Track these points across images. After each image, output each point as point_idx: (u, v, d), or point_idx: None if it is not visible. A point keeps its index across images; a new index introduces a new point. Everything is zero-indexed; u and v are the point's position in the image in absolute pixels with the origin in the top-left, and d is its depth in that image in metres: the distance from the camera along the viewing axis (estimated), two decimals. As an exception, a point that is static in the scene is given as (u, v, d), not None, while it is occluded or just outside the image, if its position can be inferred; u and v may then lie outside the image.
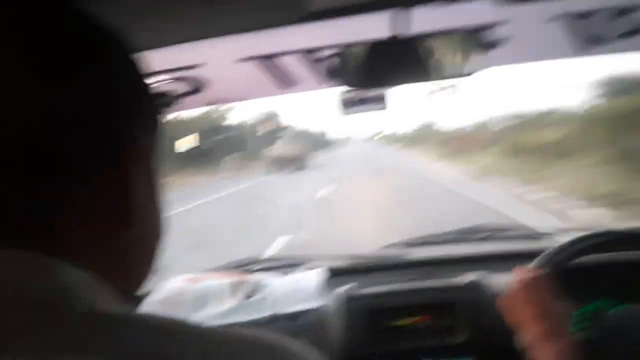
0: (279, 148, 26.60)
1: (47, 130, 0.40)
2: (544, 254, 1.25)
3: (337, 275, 1.78)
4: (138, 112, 0.48)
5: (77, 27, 0.45)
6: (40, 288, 0.38)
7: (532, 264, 1.23)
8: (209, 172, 25.34)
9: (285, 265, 1.87)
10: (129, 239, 0.47)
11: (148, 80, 0.51)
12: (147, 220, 0.49)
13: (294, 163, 24.68)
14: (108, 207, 0.45)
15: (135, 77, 0.49)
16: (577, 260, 1.26)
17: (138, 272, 0.51)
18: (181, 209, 12.10)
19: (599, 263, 1.48)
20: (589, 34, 1.27)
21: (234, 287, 1.64)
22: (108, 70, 0.46)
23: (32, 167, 0.40)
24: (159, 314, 0.43)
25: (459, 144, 26.63)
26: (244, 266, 1.88)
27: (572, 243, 1.25)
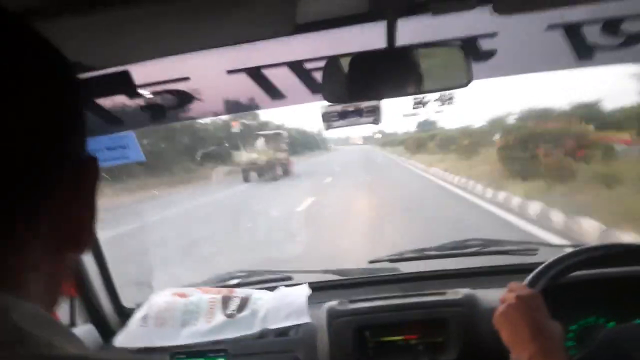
0: (254, 151, 20.28)
1: None
2: (537, 270, 1.23)
3: (324, 289, 1.76)
4: (82, 132, 0.48)
5: (22, 50, 0.43)
6: None
7: (525, 280, 1.20)
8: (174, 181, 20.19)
9: (273, 279, 1.84)
10: (70, 261, 0.47)
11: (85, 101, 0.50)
12: (88, 240, 0.48)
13: (273, 170, 19.70)
14: (59, 229, 0.44)
15: (75, 98, 0.48)
16: (569, 276, 1.24)
17: (62, 284, 0.50)
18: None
19: (591, 279, 1.45)
20: (584, 45, 1.26)
21: (223, 302, 1.62)
22: (52, 93, 0.44)
23: None
24: (118, 353, 0.41)
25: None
26: (230, 280, 1.85)
27: (565, 258, 1.23)
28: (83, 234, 0.46)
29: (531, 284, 1.19)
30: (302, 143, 43.11)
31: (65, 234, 0.44)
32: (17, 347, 0.35)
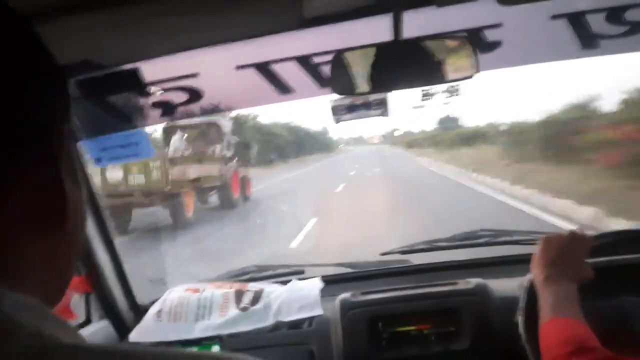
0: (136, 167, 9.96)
1: None
2: (613, 230, 1.30)
3: (337, 282, 1.77)
4: (57, 104, 0.46)
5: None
6: None
7: (595, 232, 1.27)
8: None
9: (285, 273, 1.86)
10: (62, 241, 0.45)
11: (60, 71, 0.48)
12: (76, 216, 0.46)
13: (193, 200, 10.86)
14: (43, 203, 0.42)
15: (51, 69, 0.47)
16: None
17: (66, 274, 0.48)
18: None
19: (611, 265, 1.46)
20: (588, 34, 1.27)
21: (237, 296, 1.63)
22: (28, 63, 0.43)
23: None
24: (107, 343, 0.42)
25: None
26: (243, 275, 1.87)
27: (624, 232, 1.29)
28: (66, 207, 0.44)
29: (598, 237, 1.27)
30: (297, 144, 37.86)
31: (46, 209, 0.42)
32: (7, 338, 0.35)
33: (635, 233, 1.38)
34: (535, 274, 1.13)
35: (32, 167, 0.41)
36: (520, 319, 1.17)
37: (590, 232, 1.26)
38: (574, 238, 1.14)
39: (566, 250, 1.12)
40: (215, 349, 1.35)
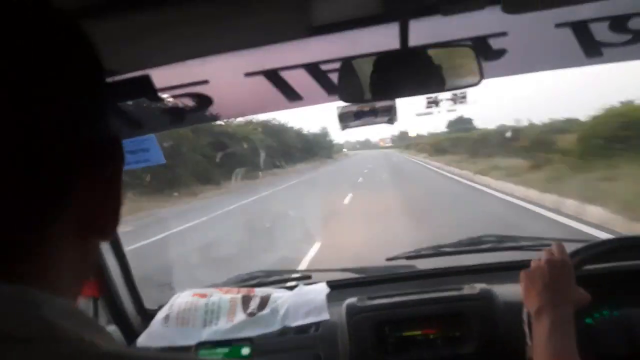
0: None
1: (24, 144, 0.37)
2: (585, 245, 1.27)
3: (343, 287, 1.78)
4: (103, 116, 0.46)
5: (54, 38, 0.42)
6: (23, 323, 0.35)
7: (569, 251, 1.24)
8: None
9: (292, 278, 1.87)
10: (97, 250, 0.46)
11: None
12: (114, 224, 0.46)
13: None
14: (91, 221, 0.43)
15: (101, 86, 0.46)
16: (583, 269, 1.27)
17: (87, 278, 0.49)
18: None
19: (604, 272, 1.47)
20: (593, 42, 1.28)
21: (244, 302, 1.65)
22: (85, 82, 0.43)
23: (10, 180, 0.37)
24: (151, 350, 0.43)
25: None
26: (250, 280, 1.88)
27: (610, 241, 1.28)
28: (108, 221, 0.44)
29: (572, 254, 1.23)
30: (282, 150, 30.87)
31: (91, 222, 0.43)
32: (51, 343, 0.35)
33: (616, 243, 1.36)
34: (528, 307, 1.11)
35: (77, 180, 0.41)
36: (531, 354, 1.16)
37: (568, 250, 1.23)
38: (554, 262, 1.12)
39: (550, 277, 1.09)
40: (246, 351, 1.37)
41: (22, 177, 0.37)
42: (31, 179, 0.38)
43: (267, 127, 30.16)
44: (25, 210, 0.38)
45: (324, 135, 51.58)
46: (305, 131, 44.26)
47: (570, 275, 1.12)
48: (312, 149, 41.41)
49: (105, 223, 0.44)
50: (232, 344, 1.40)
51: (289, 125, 37.89)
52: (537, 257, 1.19)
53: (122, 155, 0.46)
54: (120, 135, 0.47)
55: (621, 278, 1.47)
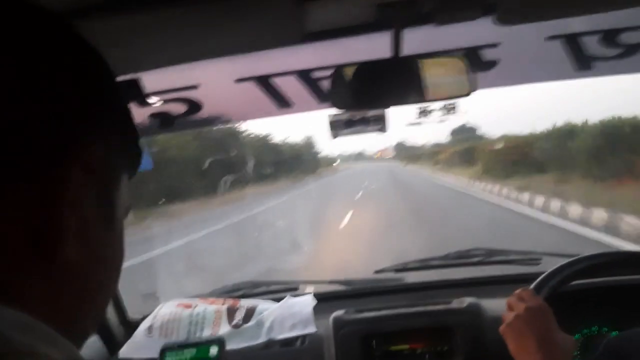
0: None
1: None
2: (540, 277, 1.24)
3: (330, 300, 1.76)
4: (92, 111, 0.43)
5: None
6: None
7: (530, 287, 1.21)
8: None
9: (278, 290, 1.84)
10: (67, 270, 0.40)
11: (110, 81, 0.47)
12: (90, 244, 0.42)
13: None
14: (33, 225, 0.38)
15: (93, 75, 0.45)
16: (570, 285, 1.26)
17: (83, 308, 0.44)
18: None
19: (593, 287, 1.47)
20: (584, 55, 1.29)
21: (229, 313, 1.62)
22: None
23: None
24: None
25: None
26: (236, 291, 1.85)
27: (566, 266, 1.25)
28: (56, 232, 0.39)
29: (537, 288, 1.20)
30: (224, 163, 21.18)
31: (35, 231, 0.38)
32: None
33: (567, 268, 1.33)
34: None
35: (27, 183, 0.38)
36: None
37: (533, 287, 1.21)
38: (533, 310, 1.06)
39: (538, 328, 1.03)
40: (214, 351, 1.33)
41: None
42: None
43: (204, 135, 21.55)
44: None
45: (307, 146, 43.51)
46: (280, 140, 36.85)
47: (551, 318, 1.06)
48: (286, 163, 32.08)
49: (48, 238, 0.39)
50: (200, 345, 1.35)
51: (245, 131, 28.55)
52: (525, 271, 1.18)
53: (105, 169, 0.43)
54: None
55: (609, 293, 1.47)
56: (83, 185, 0.40)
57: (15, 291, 0.37)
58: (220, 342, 1.31)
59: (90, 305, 0.44)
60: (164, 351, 1.30)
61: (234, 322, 1.59)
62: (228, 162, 21.93)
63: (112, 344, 1.65)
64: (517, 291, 1.15)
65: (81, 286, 0.42)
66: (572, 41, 1.25)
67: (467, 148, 30.63)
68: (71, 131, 0.40)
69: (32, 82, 0.38)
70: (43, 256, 0.39)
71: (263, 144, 30.47)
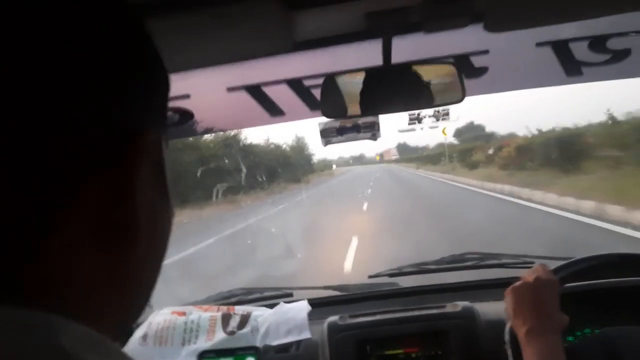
0: None
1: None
2: (568, 261, 1.29)
3: (325, 305, 1.76)
4: (147, 96, 0.40)
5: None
6: (37, 353, 0.30)
7: (551, 268, 1.24)
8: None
9: (273, 296, 1.84)
10: (132, 263, 0.38)
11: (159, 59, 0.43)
12: (153, 236, 0.39)
13: None
14: (107, 224, 0.35)
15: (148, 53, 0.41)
16: (565, 287, 1.27)
17: (138, 301, 0.41)
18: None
19: (587, 289, 1.47)
20: (573, 61, 1.30)
21: (223, 320, 1.62)
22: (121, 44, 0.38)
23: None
24: None
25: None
26: (230, 298, 1.85)
27: (593, 258, 1.28)
28: (134, 227, 0.36)
29: (556, 270, 1.22)
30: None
31: (110, 228, 0.35)
32: None
33: (597, 260, 1.38)
34: (515, 325, 1.10)
35: (97, 177, 0.34)
36: None
37: (550, 267, 1.24)
38: (542, 281, 1.11)
39: (540, 297, 1.09)
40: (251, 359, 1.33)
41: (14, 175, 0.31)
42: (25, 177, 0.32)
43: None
44: (23, 212, 0.32)
45: (299, 149, 37.67)
46: (266, 143, 30.78)
47: (555, 295, 1.11)
48: (266, 170, 26.23)
49: (130, 233, 0.36)
50: (236, 353, 1.36)
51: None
52: (520, 275, 1.19)
53: (155, 146, 0.40)
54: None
55: (604, 295, 1.47)
56: (146, 170, 0.38)
57: (81, 303, 0.35)
58: (257, 351, 1.32)
59: (142, 299, 0.42)
60: (201, 356, 1.31)
61: (229, 329, 1.59)
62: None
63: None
64: (537, 265, 1.19)
65: (140, 282, 0.40)
66: (561, 47, 1.26)
67: (473, 148, 28.38)
68: (132, 118, 0.38)
69: (100, 70, 0.35)
70: (118, 258, 0.36)
71: (236, 145, 25.30)
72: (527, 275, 1.15)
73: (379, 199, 17.20)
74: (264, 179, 24.27)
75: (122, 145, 0.36)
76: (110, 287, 0.37)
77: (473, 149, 29.64)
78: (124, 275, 0.37)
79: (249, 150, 25.97)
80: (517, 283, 1.14)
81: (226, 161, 22.60)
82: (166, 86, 0.44)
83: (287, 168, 30.94)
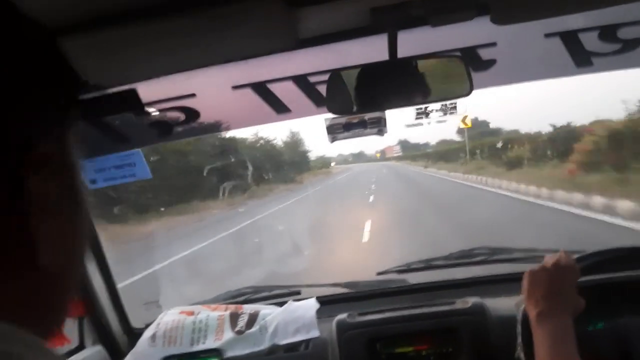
0: None
1: None
2: (593, 250, 1.28)
3: (333, 303, 1.75)
4: (42, 110, 0.40)
5: None
6: None
7: (574, 256, 1.22)
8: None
9: (281, 294, 1.83)
10: (39, 278, 0.39)
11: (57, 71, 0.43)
12: (62, 249, 0.40)
13: None
14: (6, 240, 0.36)
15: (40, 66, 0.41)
16: (580, 281, 1.25)
17: (53, 316, 0.42)
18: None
19: (601, 283, 1.46)
20: (582, 52, 1.28)
21: (232, 319, 1.61)
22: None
23: None
24: None
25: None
26: (239, 297, 1.85)
27: (617, 250, 1.27)
28: (30, 240, 0.37)
29: (579, 259, 1.23)
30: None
31: (5, 241, 0.36)
32: None
33: (619, 252, 1.36)
34: (528, 308, 1.10)
35: None
36: (521, 354, 1.15)
37: (573, 256, 1.24)
38: (561, 267, 1.11)
39: (556, 282, 1.09)
40: None
41: None
42: None
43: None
44: None
45: (293, 145, 34.64)
46: (255, 137, 26.00)
47: (573, 281, 1.11)
48: (262, 168, 22.97)
49: (40, 254, 0.38)
50: (200, 356, 1.35)
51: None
52: (527, 269, 1.18)
53: (67, 168, 0.41)
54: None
55: (618, 289, 1.46)
56: (45, 180, 0.38)
57: None
58: (218, 352, 1.31)
59: (61, 299, 0.43)
60: None
61: (237, 328, 1.59)
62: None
63: (116, 353, 1.65)
64: (561, 251, 1.18)
65: (52, 284, 0.41)
66: (570, 38, 1.24)
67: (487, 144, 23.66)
68: (29, 129, 0.38)
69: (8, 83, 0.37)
70: (16, 262, 0.37)
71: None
72: (548, 259, 1.15)
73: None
74: (249, 179, 19.24)
75: (15, 159, 0.36)
76: (17, 303, 0.37)
77: (508, 142, 23.31)
78: (36, 290, 0.39)
79: (228, 146, 20.41)
80: (536, 267, 1.14)
81: (191, 158, 17.47)
82: (69, 98, 0.44)
83: (277, 166, 26.53)
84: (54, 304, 0.42)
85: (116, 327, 1.69)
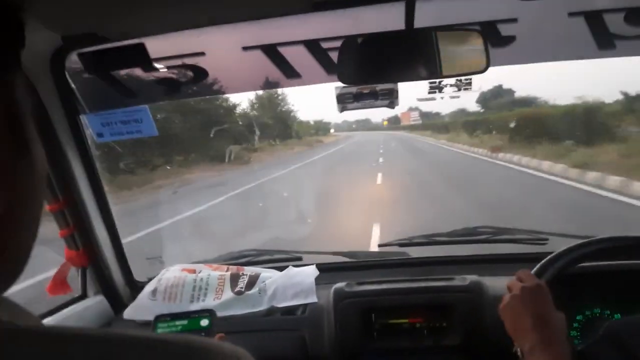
0: None
1: None
2: (545, 259, 1.22)
3: (333, 271, 1.76)
4: None
5: None
6: None
7: (533, 270, 1.20)
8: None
9: (282, 259, 1.84)
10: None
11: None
12: (9, 193, 0.40)
13: None
14: None
15: None
16: (577, 267, 1.23)
17: (9, 253, 0.42)
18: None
19: (599, 270, 1.44)
20: (606, 34, 1.23)
21: (232, 280, 1.63)
22: None
23: None
24: (65, 326, 0.39)
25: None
26: (241, 258, 1.86)
27: (574, 249, 1.23)
28: None
29: (538, 273, 1.19)
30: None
31: None
32: None
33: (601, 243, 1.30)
34: (519, 344, 1.04)
35: None
36: (518, 350, 1.12)
37: (536, 269, 1.20)
38: (529, 289, 1.07)
39: (532, 306, 1.04)
40: (204, 322, 1.34)
41: None
42: None
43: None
44: None
45: (274, 105, 27.53)
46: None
47: (547, 298, 1.07)
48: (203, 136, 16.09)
49: None
50: (191, 316, 1.37)
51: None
52: (533, 251, 1.16)
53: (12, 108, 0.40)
54: None
55: (613, 277, 1.45)
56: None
57: None
58: (211, 313, 1.33)
59: (7, 243, 0.42)
60: (156, 320, 1.32)
61: (237, 288, 1.60)
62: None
63: (118, 304, 1.67)
64: (518, 272, 1.14)
65: (6, 233, 0.40)
66: (594, 18, 1.19)
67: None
68: None
69: None
70: None
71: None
72: (511, 286, 1.11)
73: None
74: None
75: None
76: None
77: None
78: None
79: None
80: (505, 299, 1.10)
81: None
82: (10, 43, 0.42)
83: (231, 132, 19.26)
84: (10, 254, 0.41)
85: (119, 278, 1.72)
